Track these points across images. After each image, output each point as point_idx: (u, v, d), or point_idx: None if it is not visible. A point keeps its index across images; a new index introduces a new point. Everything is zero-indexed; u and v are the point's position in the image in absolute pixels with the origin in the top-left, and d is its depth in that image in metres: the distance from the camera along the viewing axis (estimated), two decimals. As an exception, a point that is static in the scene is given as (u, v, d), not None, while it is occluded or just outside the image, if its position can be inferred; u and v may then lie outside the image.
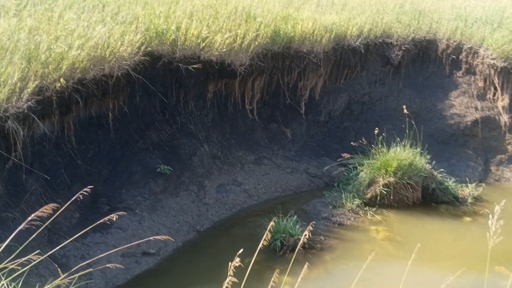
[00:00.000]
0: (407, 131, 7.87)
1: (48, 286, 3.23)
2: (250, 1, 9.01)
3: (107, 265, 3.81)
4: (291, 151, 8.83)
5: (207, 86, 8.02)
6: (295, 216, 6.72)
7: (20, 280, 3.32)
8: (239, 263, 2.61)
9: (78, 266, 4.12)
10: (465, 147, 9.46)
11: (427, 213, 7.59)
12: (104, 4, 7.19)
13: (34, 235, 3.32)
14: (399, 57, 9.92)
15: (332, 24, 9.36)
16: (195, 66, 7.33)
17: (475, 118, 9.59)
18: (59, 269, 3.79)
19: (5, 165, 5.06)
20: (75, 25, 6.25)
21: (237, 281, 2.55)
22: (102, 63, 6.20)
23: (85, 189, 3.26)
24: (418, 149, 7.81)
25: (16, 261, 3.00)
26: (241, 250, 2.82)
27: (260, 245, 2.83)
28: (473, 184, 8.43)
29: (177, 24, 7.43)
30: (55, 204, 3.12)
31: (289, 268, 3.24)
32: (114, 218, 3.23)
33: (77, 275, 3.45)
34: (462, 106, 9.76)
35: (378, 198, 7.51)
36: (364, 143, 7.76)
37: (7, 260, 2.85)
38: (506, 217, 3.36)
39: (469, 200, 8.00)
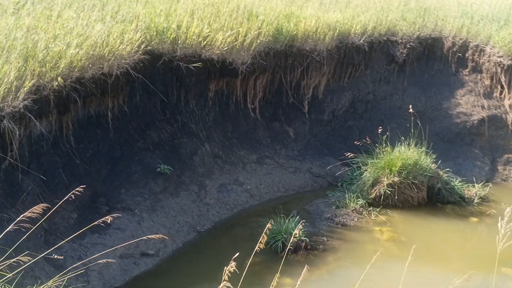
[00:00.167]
0: (412, 130, 7.73)
1: (41, 287, 3.15)
2: (252, -1, 8.92)
3: (100, 261, 3.74)
4: (294, 150, 8.71)
5: (208, 85, 7.92)
6: (297, 217, 6.61)
7: (14, 282, 3.25)
8: (234, 268, 2.52)
9: (73, 266, 4.06)
10: (472, 146, 9.30)
11: (433, 214, 7.45)
12: (104, 3, 7.13)
13: (24, 237, 3.25)
14: (404, 55, 9.78)
15: (336, 22, 9.25)
16: (196, 64, 7.25)
17: (481, 117, 9.43)
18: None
19: (0, 165, 5.00)
20: (74, 24, 6.19)
21: (232, 287, 2.47)
22: (101, 62, 6.13)
23: (77, 189, 3.19)
24: (423, 148, 7.68)
25: (4, 262, 2.93)
26: (237, 254, 2.73)
27: (257, 248, 2.74)
28: (480, 184, 8.28)
29: (178, 23, 7.35)
30: (45, 204, 3.05)
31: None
32: (109, 220, 3.15)
33: (70, 275, 3.38)
34: (468, 104, 9.61)
35: (382, 198, 7.38)
36: (368, 142, 7.64)
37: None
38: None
39: (476, 200, 7.85)
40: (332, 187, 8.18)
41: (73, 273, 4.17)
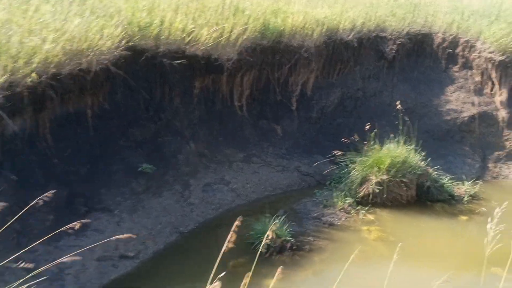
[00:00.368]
0: (401, 127, 7.59)
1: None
2: (239, -6, 8.73)
3: (72, 259, 3.54)
4: (282, 148, 8.54)
5: (193, 81, 7.73)
6: (284, 216, 6.44)
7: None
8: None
9: (45, 267, 3.86)
10: (462, 144, 9.18)
11: (422, 212, 7.31)
12: (84, -3, 6.93)
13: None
14: (394, 51, 9.64)
15: (324, 17, 9.09)
16: (180, 61, 7.06)
17: (472, 114, 9.31)
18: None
19: (-29, 164, 4.80)
20: (51, 18, 5.98)
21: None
22: (79, 58, 5.93)
23: (46, 194, 3.02)
24: (413, 146, 7.54)
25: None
26: (214, 270, 2.55)
27: (224, 248, 2.57)
28: (470, 182, 8.15)
29: (161, 18, 7.16)
30: (2, 204, 2.85)
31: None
32: (76, 226, 2.98)
33: (43, 278, 3.20)
34: (458, 101, 9.48)
35: (371, 196, 7.23)
36: (357, 140, 7.48)
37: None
38: (503, 216, 3.12)
39: (466, 198, 7.73)
40: (321, 185, 8.02)
41: (46, 277, 4.00)
